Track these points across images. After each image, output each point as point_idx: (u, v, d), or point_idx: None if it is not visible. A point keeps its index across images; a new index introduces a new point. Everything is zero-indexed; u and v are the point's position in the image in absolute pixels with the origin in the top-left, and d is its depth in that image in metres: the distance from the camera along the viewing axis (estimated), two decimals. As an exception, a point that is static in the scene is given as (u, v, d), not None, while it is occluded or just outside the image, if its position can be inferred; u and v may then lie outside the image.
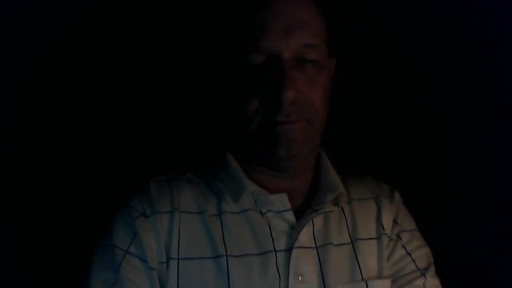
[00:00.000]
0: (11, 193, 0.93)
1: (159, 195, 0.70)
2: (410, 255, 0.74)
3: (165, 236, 0.67)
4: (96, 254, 0.68)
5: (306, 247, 0.68)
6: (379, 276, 0.71)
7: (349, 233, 0.73)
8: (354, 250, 0.71)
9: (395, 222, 0.76)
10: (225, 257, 0.66)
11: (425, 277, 0.73)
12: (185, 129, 1.01)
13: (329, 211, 0.72)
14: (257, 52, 0.67)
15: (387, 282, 0.71)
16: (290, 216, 0.70)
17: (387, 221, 0.76)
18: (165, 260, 0.66)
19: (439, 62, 0.99)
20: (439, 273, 0.75)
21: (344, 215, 0.74)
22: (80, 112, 0.98)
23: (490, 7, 0.91)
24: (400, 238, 0.75)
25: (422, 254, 0.75)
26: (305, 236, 0.69)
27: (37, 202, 0.94)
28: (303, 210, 0.71)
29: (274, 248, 0.67)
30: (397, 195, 0.80)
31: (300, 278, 0.66)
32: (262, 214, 0.70)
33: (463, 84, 0.97)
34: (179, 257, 0.66)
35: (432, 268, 0.75)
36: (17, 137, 0.94)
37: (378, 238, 0.74)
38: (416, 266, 0.74)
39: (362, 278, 0.70)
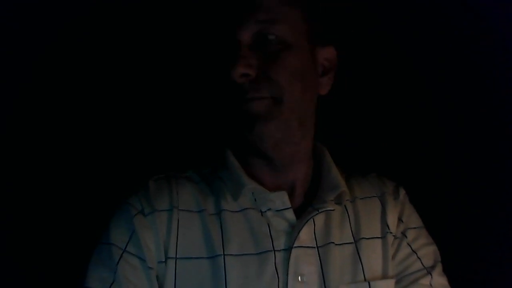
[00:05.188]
0: (11, 191, 0.93)
1: (158, 193, 0.69)
2: (416, 253, 0.73)
3: (164, 235, 0.66)
4: (95, 253, 0.67)
5: (306, 247, 0.68)
6: (384, 276, 0.70)
7: (352, 232, 0.72)
8: (357, 250, 0.70)
9: (400, 220, 0.75)
10: (222, 256, 0.65)
11: (431, 275, 0.72)
12: (184, 126, 1.00)
13: (331, 210, 0.71)
14: (219, 39, 0.69)
15: (391, 283, 0.70)
16: (290, 215, 0.69)
17: (392, 219, 0.75)
18: (163, 259, 0.65)
19: (446, 61, 0.98)
20: (446, 271, 0.74)
21: (347, 214, 0.73)
22: (81, 109, 0.98)
23: (490, 7, 0.91)
24: (405, 236, 0.74)
25: (428, 252, 0.74)
26: (305, 235, 0.68)
27: (37, 201, 0.94)
28: (304, 209, 0.70)
29: (273, 248, 0.67)
30: (402, 192, 0.78)
31: (300, 278, 0.66)
32: (261, 213, 0.69)
33: (468, 82, 0.97)
34: (177, 256, 0.65)
35: (439, 266, 0.74)
36: (17, 136, 0.94)
37: (383, 237, 0.73)
38: (422, 264, 0.73)
39: (364, 278, 0.69)
